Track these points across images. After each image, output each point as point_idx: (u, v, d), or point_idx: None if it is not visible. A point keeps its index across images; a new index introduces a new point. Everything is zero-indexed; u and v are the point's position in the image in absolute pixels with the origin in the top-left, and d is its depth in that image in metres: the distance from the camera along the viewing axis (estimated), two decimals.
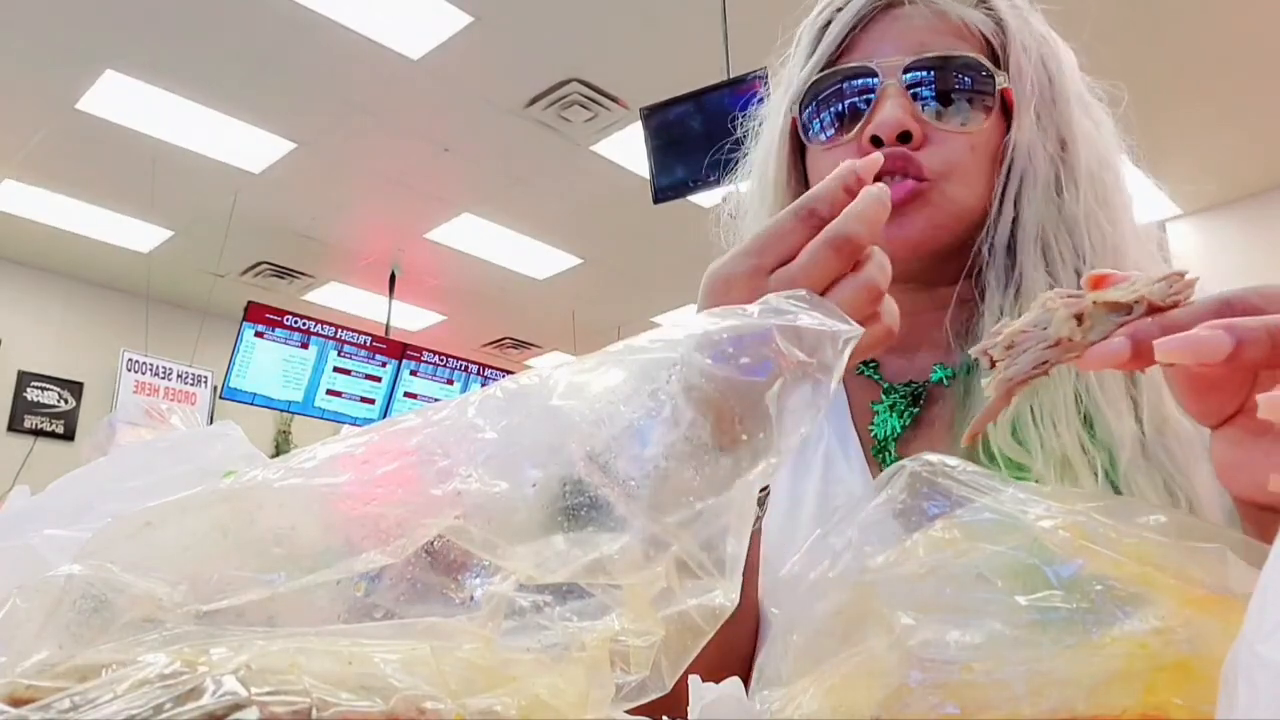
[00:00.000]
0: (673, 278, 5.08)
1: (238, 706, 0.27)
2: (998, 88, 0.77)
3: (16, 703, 0.29)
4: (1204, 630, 0.35)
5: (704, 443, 0.41)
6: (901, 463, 0.45)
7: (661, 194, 3.88)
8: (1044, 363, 0.47)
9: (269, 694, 0.28)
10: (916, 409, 0.81)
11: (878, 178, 0.71)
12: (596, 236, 6.42)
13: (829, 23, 0.81)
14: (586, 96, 4.92)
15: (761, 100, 0.91)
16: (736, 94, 3.62)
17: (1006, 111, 0.78)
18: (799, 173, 0.84)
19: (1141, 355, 0.43)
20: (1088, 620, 0.36)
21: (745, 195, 0.89)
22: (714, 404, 0.42)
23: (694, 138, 3.78)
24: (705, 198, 3.99)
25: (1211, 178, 5.35)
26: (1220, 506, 0.67)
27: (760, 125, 0.89)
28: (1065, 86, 0.80)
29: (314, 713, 0.28)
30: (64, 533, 0.51)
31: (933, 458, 0.45)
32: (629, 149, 5.09)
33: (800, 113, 0.81)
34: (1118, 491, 0.67)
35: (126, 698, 0.28)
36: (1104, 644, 0.35)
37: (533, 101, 4.97)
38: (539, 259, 6.78)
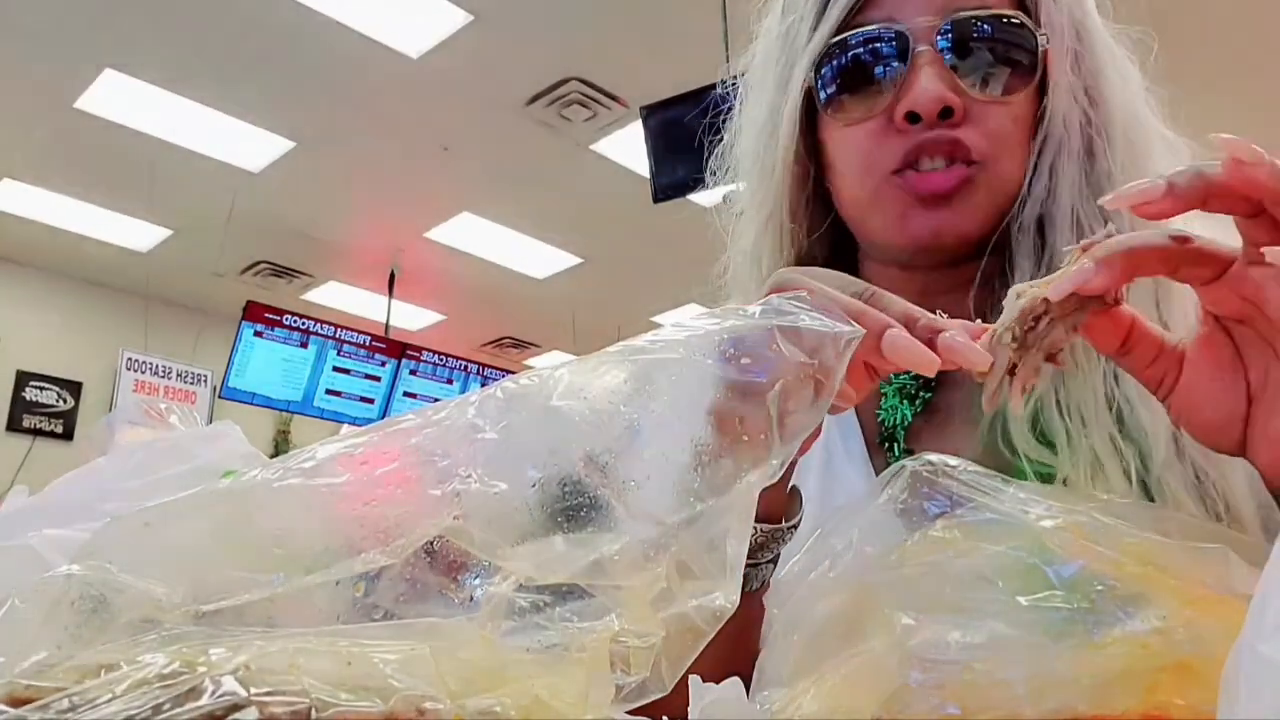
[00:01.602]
0: (673, 278, 5.07)
1: (237, 707, 0.27)
2: (1040, 49, 0.69)
3: (15, 703, 0.28)
4: (1205, 630, 0.35)
5: (704, 444, 0.41)
6: (902, 462, 0.45)
7: (661, 193, 3.88)
8: (1021, 306, 0.48)
9: (268, 694, 0.28)
10: (929, 393, 0.75)
11: (919, 158, 0.69)
12: (596, 236, 6.41)
13: None
14: (586, 95, 4.92)
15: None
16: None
17: (1042, 72, 0.71)
18: (810, 147, 0.75)
19: (1106, 267, 0.45)
20: (1089, 620, 0.36)
21: (740, 157, 0.83)
22: (715, 405, 0.42)
23: (694, 137, 3.77)
24: (705, 197, 3.99)
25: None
26: (1254, 506, 0.63)
27: (748, 89, 0.82)
28: (1093, 35, 0.74)
29: (313, 713, 0.28)
30: (63, 533, 0.51)
31: (934, 457, 0.45)
32: (629, 148, 5.09)
33: (816, 81, 0.72)
34: (1148, 491, 0.62)
35: (125, 698, 0.28)
36: (1105, 644, 0.35)
37: (532, 100, 4.97)
38: (539, 258, 6.78)
